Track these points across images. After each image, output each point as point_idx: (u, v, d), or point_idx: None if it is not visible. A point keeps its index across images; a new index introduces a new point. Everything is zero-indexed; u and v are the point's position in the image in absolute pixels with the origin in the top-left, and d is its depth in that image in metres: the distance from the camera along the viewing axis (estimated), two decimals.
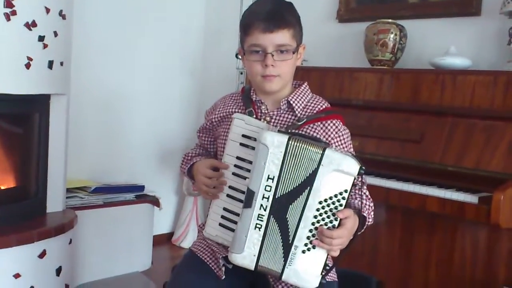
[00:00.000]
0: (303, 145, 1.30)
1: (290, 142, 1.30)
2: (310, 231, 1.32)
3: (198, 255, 1.55)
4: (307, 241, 1.33)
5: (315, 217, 1.31)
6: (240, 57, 3.45)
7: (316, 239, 1.32)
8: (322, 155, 1.29)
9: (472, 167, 2.13)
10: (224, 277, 1.47)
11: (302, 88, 1.57)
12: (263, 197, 1.32)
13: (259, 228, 1.33)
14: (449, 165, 2.20)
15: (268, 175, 1.31)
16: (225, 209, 1.45)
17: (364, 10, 3.06)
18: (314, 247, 1.33)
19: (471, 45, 2.61)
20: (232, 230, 1.41)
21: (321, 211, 1.31)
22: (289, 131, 1.39)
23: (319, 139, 1.42)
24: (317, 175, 1.29)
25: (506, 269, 2.10)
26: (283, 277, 1.35)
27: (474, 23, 2.62)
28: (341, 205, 1.31)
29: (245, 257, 1.34)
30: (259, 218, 1.33)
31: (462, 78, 2.31)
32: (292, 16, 1.48)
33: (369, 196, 1.50)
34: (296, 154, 1.30)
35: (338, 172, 1.29)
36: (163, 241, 3.79)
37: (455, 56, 2.47)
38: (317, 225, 1.32)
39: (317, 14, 3.21)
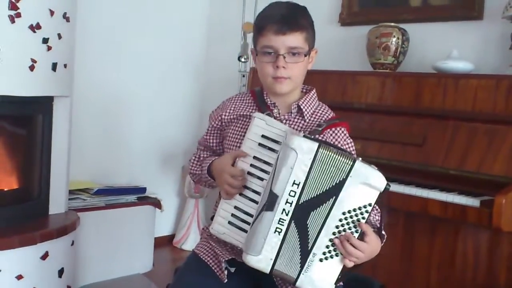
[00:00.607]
0: (332, 154, 1.30)
1: (320, 149, 1.29)
2: (330, 240, 1.32)
3: (201, 257, 1.55)
4: (326, 250, 1.32)
5: (337, 227, 1.31)
6: (242, 60, 3.48)
7: (335, 249, 1.32)
8: (352, 166, 1.28)
9: (474, 170, 2.14)
10: (226, 280, 1.47)
11: (311, 94, 1.59)
12: (287, 201, 1.30)
13: (279, 233, 1.32)
14: (451, 168, 2.20)
15: (294, 181, 1.30)
16: (236, 207, 1.43)
17: (366, 14, 3.07)
18: (332, 256, 1.33)
19: (473, 49, 2.61)
20: (242, 229, 1.40)
21: (344, 221, 1.31)
22: (313, 137, 1.37)
23: (344, 149, 1.44)
24: (344, 186, 1.29)
25: (507, 273, 2.10)
26: (298, 283, 1.34)
27: (476, 27, 2.63)
28: (363, 218, 1.31)
29: (261, 260, 1.33)
30: (279, 223, 1.31)
31: (464, 82, 2.31)
32: (305, 20, 1.50)
33: (378, 208, 1.50)
34: (324, 162, 1.30)
35: (365, 185, 1.29)
36: (164, 243, 3.79)
37: (457, 60, 2.48)
38: (337, 235, 1.32)
39: (319, 17, 3.19)
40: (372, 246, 1.34)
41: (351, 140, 1.56)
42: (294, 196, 1.30)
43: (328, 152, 1.30)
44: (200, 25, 3.96)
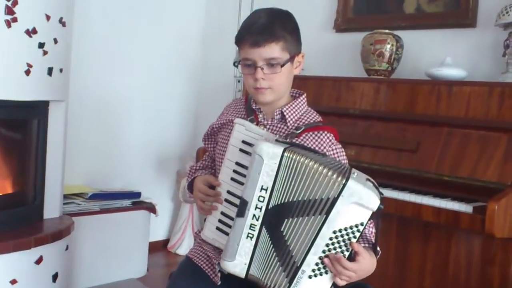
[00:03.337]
0: (301, 158, 1.28)
1: (286, 154, 1.29)
2: (320, 258, 1.31)
3: (195, 261, 1.56)
4: (315, 267, 1.32)
5: (327, 245, 1.30)
6: (237, 65, 3.48)
7: (325, 267, 1.31)
8: (344, 185, 1.26)
9: (467, 176, 2.15)
10: (219, 283, 1.48)
11: (299, 100, 1.57)
12: (256, 207, 1.31)
13: (251, 238, 1.33)
14: (444, 174, 2.21)
15: (262, 186, 1.30)
16: (222, 213, 1.45)
17: (361, 20, 3.09)
18: (321, 274, 1.32)
19: (466, 56, 2.63)
20: (228, 234, 1.41)
21: (334, 240, 1.29)
22: (287, 140, 1.38)
23: (317, 151, 1.42)
24: (335, 205, 1.27)
25: (500, 279, 2.11)
26: None
27: (469, 34, 2.65)
28: (355, 237, 1.29)
29: (236, 265, 1.35)
30: (251, 228, 1.32)
31: (457, 89, 2.33)
32: (282, 29, 1.46)
33: (372, 221, 1.49)
34: (292, 166, 1.29)
35: (357, 205, 1.27)
36: (159, 247, 3.79)
37: (450, 67, 2.50)
38: (327, 253, 1.30)
39: (314, 23, 3.24)
40: (365, 265, 1.33)
41: (340, 146, 1.54)
42: (263, 202, 1.31)
43: (297, 157, 1.29)
44: (196, 30, 3.98)
